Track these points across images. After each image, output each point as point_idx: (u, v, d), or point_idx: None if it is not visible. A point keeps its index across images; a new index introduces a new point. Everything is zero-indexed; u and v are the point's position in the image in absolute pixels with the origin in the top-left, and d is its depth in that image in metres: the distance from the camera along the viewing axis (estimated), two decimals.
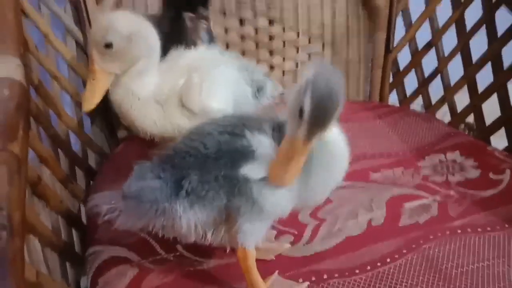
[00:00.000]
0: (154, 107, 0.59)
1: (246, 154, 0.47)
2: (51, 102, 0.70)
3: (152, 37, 0.58)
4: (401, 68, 1.02)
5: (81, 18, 0.83)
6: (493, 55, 0.85)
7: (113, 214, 0.48)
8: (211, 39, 0.72)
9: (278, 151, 0.46)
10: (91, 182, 0.79)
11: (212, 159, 0.48)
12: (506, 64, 0.83)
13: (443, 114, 0.96)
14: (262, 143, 0.47)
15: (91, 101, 0.57)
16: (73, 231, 0.67)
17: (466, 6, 0.89)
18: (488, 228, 0.64)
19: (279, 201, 0.49)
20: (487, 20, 0.85)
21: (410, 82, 1.01)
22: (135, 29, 0.56)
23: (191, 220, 0.48)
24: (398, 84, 1.03)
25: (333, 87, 0.42)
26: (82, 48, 0.84)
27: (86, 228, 0.69)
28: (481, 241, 0.62)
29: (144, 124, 0.60)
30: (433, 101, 0.97)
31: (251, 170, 0.47)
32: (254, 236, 0.51)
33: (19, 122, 0.43)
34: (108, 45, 0.55)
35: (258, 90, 0.67)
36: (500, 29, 0.83)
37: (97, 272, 0.58)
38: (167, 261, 0.58)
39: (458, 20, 0.90)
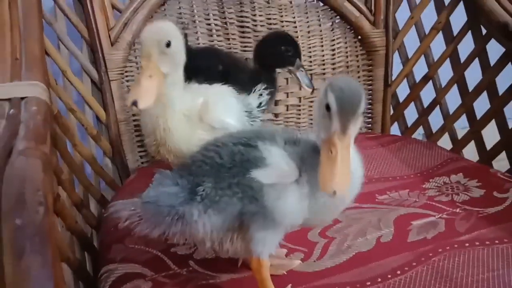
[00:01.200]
0: (184, 119, 0.64)
1: (257, 162, 0.49)
2: (67, 131, 0.73)
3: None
4: (401, 101, 1.06)
5: (97, 58, 0.89)
6: (488, 83, 0.89)
7: (133, 220, 0.50)
8: (310, 81, 0.84)
9: (321, 159, 0.45)
10: (103, 210, 0.81)
11: (226, 168, 0.50)
12: (501, 91, 0.87)
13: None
14: (272, 152, 0.50)
15: (150, 97, 0.59)
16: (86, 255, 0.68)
17: (458, 41, 0.94)
18: (496, 241, 0.64)
19: (291, 210, 0.50)
20: (479, 51, 0.90)
21: (411, 114, 1.04)
22: (182, 39, 0.63)
23: (206, 224, 0.49)
24: (399, 116, 1.07)
25: (351, 80, 0.47)
26: (97, 86, 0.89)
27: (98, 252, 0.70)
28: (490, 253, 0.62)
29: (176, 136, 0.64)
30: (434, 130, 1.00)
31: (261, 175, 0.49)
32: (267, 246, 0.52)
33: (46, 132, 0.46)
34: (168, 44, 0.60)
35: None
36: (492, 58, 0.88)
37: None
38: (180, 276, 0.59)
39: (452, 53, 0.95)
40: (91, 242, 0.71)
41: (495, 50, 0.88)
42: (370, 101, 1.08)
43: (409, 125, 1.05)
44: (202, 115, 0.65)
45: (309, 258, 0.63)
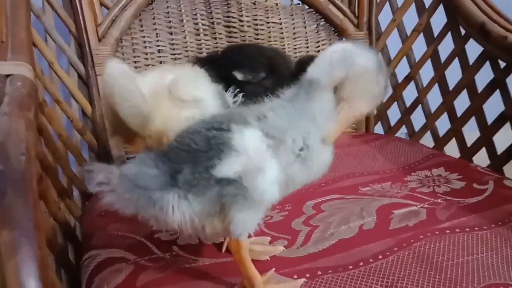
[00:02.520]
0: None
1: (231, 146, 0.48)
2: (52, 121, 0.73)
3: None
4: (384, 101, 1.08)
5: (84, 53, 0.89)
6: (467, 82, 0.91)
7: (104, 188, 0.48)
8: None
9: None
10: (87, 203, 0.81)
11: (202, 152, 0.49)
12: (480, 89, 0.89)
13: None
14: (245, 134, 0.49)
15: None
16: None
17: (439, 42, 0.97)
18: (476, 228, 0.65)
19: (268, 187, 0.50)
20: (459, 51, 0.93)
21: (394, 113, 1.06)
22: None
23: (185, 212, 0.49)
24: (382, 116, 1.08)
25: None
26: (83, 81, 0.90)
27: (80, 243, 0.70)
28: (470, 238, 0.63)
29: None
30: (416, 129, 1.02)
31: (235, 162, 0.48)
32: (247, 226, 0.51)
33: (30, 104, 0.46)
34: None
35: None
36: (471, 58, 0.91)
37: (93, 272, 0.58)
38: (163, 260, 0.59)
39: (433, 54, 0.98)
40: (73, 232, 0.70)
41: (473, 50, 0.90)
42: None
43: (392, 124, 1.07)
44: (171, 90, 0.61)
45: (293, 245, 0.64)
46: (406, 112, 1.04)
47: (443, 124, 0.97)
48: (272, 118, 0.51)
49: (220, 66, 0.79)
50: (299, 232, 0.67)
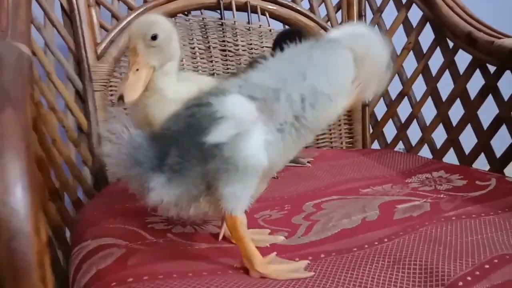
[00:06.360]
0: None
1: (214, 118, 0.46)
2: (47, 124, 0.73)
3: (179, 45, 0.64)
4: (379, 119, 1.09)
5: (82, 69, 0.91)
6: (460, 91, 0.93)
7: (115, 141, 0.48)
8: None
9: None
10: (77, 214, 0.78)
11: (184, 133, 0.48)
12: (472, 96, 0.90)
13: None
14: (226, 102, 0.47)
15: (135, 90, 0.58)
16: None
17: (428, 57, 1.00)
18: (483, 214, 0.63)
19: (253, 152, 0.47)
20: (449, 63, 0.95)
21: (390, 131, 1.07)
22: (173, 31, 0.63)
23: (171, 193, 0.48)
24: (378, 134, 1.09)
25: None
26: (80, 96, 0.90)
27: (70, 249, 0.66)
28: (477, 222, 0.61)
29: None
30: (413, 144, 1.02)
31: (217, 132, 0.46)
32: (238, 200, 0.49)
33: (28, 79, 0.46)
34: (154, 37, 0.60)
35: None
36: (461, 67, 0.93)
37: (81, 261, 0.54)
38: (156, 244, 0.55)
39: (423, 69, 1.00)
40: (64, 237, 0.67)
41: (462, 60, 0.93)
42: (349, 120, 1.10)
43: (389, 141, 1.07)
44: None
45: (293, 236, 0.61)
46: (402, 128, 1.04)
47: (439, 136, 0.97)
48: (256, 81, 0.49)
49: None
50: (300, 226, 0.64)
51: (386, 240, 0.57)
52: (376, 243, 0.57)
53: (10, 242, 0.25)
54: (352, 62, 0.51)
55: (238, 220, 0.49)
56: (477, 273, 0.46)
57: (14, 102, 0.31)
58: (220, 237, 0.59)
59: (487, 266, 0.47)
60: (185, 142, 0.48)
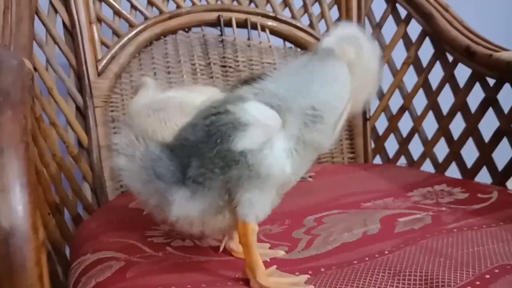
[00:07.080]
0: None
1: (235, 125, 0.46)
2: (48, 138, 0.73)
3: None
4: (380, 134, 1.08)
5: (83, 85, 0.91)
6: (460, 105, 0.93)
7: (123, 150, 0.47)
8: None
9: None
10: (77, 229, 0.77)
11: (204, 142, 0.47)
12: (473, 109, 0.90)
13: None
14: (247, 110, 0.47)
15: None
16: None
17: (428, 71, 1.00)
18: (484, 226, 0.62)
19: (276, 160, 0.47)
20: (449, 77, 0.96)
21: (392, 146, 1.06)
22: None
23: (195, 207, 0.47)
24: (380, 149, 1.08)
25: None
26: (80, 112, 0.91)
27: (69, 264, 0.66)
28: (479, 234, 0.60)
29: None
30: (415, 158, 1.02)
31: (244, 139, 0.46)
32: (253, 207, 0.48)
33: (28, 87, 0.46)
34: None
35: None
36: (461, 81, 0.93)
37: (80, 275, 0.54)
38: (155, 257, 0.55)
39: (424, 83, 1.01)
40: (63, 250, 0.67)
41: (462, 74, 0.93)
42: (350, 135, 1.10)
43: (390, 156, 1.07)
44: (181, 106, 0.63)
45: (294, 250, 0.60)
46: (404, 142, 1.04)
47: (441, 150, 0.97)
48: (271, 89, 0.49)
49: None
50: (300, 240, 0.63)
51: (387, 252, 0.57)
52: (377, 255, 0.56)
53: (8, 239, 0.25)
54: (348, 74, 0.52)
55: (250, 227, 0.49)
56: (478, 283, 0.45)
57: (13, 104, 0.31)
58: (221, 249, 0.58)
59: (487, 276, 0.46)
60: (207, 151, 0.47)
